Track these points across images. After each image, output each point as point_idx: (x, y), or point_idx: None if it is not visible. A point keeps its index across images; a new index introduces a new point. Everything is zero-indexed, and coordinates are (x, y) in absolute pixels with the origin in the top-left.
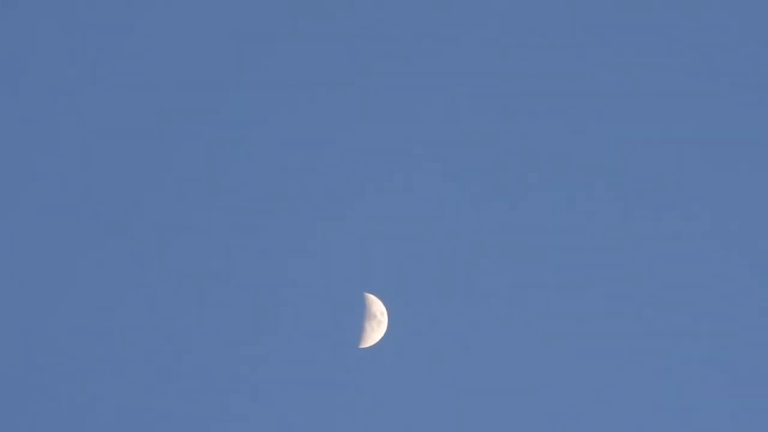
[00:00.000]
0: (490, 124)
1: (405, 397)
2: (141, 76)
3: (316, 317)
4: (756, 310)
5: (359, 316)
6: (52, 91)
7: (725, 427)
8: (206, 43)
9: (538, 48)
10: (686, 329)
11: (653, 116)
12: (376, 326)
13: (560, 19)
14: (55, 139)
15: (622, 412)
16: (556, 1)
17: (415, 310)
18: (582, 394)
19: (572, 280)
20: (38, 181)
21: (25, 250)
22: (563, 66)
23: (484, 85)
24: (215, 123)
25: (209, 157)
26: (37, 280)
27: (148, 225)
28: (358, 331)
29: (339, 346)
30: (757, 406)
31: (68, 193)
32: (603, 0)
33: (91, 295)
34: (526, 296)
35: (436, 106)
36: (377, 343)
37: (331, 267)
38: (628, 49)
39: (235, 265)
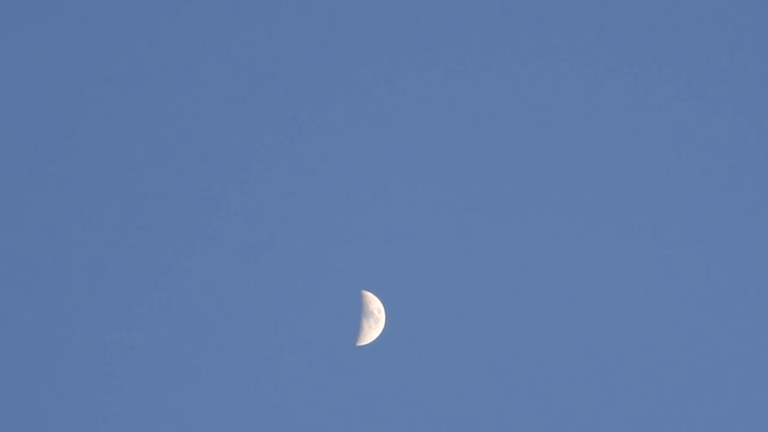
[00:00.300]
0: (490, 124)
1: (402, 394)
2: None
3: (313, 315)
4: None
5: (356, 313)
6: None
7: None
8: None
9: (536, 56)
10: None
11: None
12: (374, 324)
13: (560, 31)
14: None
15: (619, 415)
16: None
17: (412, 308)
18: (581, 394)
19: (571, 279)
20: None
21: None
22: (561, 73)
23: (483, 92)
24: (208, 124)
25: (212, 159)
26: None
27: (151, 228)
28: (356, 328)
29: (336, 343)
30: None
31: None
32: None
33: (89, 295)
34: (524, 295)
35: (434, 106)
36: (374, 341)
37: (329, 265)
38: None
39: (233, 264)
